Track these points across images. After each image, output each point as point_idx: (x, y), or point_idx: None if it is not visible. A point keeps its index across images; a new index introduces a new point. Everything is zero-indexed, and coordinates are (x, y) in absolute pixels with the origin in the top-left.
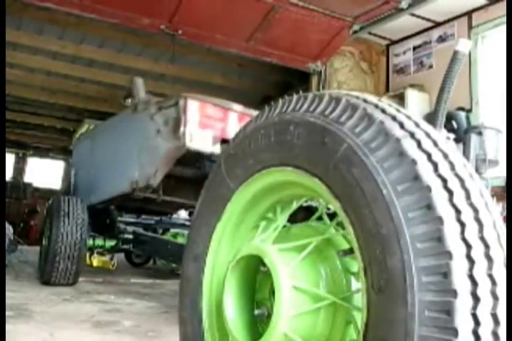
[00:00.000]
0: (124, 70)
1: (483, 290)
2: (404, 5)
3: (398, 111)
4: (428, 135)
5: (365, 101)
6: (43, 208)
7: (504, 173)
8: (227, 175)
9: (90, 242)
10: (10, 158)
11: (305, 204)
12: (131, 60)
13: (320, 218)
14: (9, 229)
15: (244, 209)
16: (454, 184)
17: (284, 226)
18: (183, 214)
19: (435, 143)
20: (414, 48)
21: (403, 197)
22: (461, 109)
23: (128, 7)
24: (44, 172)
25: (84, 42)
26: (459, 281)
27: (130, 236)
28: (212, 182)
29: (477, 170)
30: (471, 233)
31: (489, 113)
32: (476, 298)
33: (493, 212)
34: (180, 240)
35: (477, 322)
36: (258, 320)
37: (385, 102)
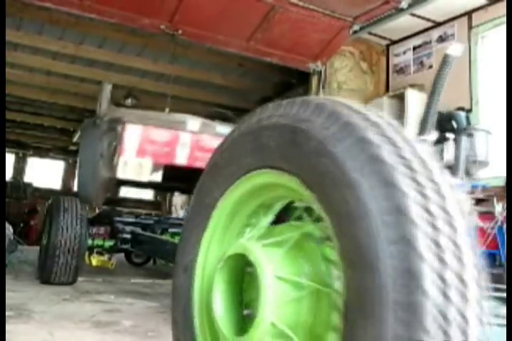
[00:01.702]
0: (124, 70)
1: (448, 254)
2: (404, 5)
3: (364, 108)
4: (390, 124)
5: (332, 101)
6: (43, 208)
7: (504, 173)
8: (212, 183)
9: (89, 242)
10: (10, 158)
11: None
12: (131, 60)
13: (300, 217)
14: (9, 229)
15: (229, 214)
16: (414, 164)
17: (268, 228)
18: (182, 214)
19: (396, 131)
20: (414, 48)
21: (368, 179)
22: (461, 109)
23: (128, 7)
24: (44, 172)
25: (84, 42)
26: (424, 248)
27: (128, 236)
28: (198, 192)
29: (468, 170)
30: (433, 205)
31: (489, 113)
32: (442, 262)
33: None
34: (178, 240)
35: (444, 283)
36: (246, 319)
37: (353, 102)
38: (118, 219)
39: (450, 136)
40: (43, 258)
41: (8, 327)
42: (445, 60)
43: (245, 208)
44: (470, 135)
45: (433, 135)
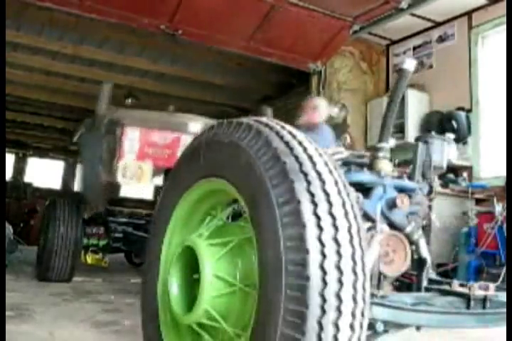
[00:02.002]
0: (124, 70)
1: (328, 249)
2: (404, 5)
3: (282, 127)
4: (300, 143)
5: (258, 122)
6: (42, 208)
7: (504, 173)
8: (173, 188)
9: (85, 241)
10: (10, 158)
11: None
12: (131, 60)
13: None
14: (9, 229)
15: (187, 215)
16: (313, 178)
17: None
18: None
19: (304, 149)
20: (414, 48)
21: (276, 189)
22: (461, 109)
23: (128, 7)
24: (44, 172)
25: (84, 42)
26: (311, 243)
27: (121, 236)
28: (162, 196)
29: (424, 175)
30: (325, 221)
31: (489, 113)
32: (323, 255)
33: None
34: None
35: (323, 255)
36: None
37: (276, 123)
38: (111, 219)
39: (450, 136)
40: (41, 257)
41: (8, 327)
42: (401, 75)
43: (199, 210)
44: (426, 142)
45: (391, 142)
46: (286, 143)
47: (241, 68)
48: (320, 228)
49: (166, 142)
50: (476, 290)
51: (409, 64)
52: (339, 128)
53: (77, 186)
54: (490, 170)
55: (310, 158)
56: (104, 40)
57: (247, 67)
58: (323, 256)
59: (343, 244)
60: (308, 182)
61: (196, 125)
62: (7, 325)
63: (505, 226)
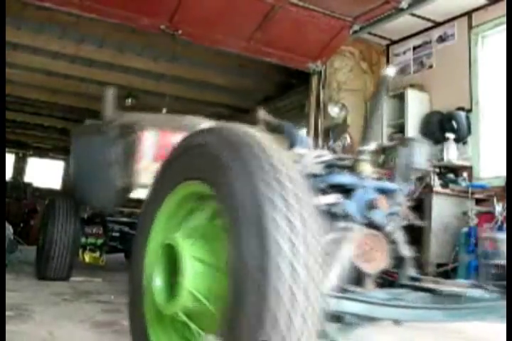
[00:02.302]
0: (124, 70)
1: (285, 246)
2: (404, 5)
3: (252, 134)
4: (264, 149)
5: (228, 128)
6: (42, 208)
7: (504, 173)
8: (157, 191)
9: (83, 240)
10: (10, 158)
11: None
12: (131, 60)
13: None
14: (9, 229)
15: (170, 215)
16: (274, 183)
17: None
18: None
19: (268, 155)
20: (414, 48)
21: (241, 191)
22: (461, 109)
23: (128, 7)
24: (44, 172)
25: (84, 42)
26: (270, 240)
27: (117, 234)
28: (148, 198)
29: (405, 176)
30: (293, 214)
31: (489, 113)
32: (279, 251)
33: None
34: None
35: (280, 251)
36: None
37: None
38: (109, 218)
39: (450, 136)
40: (40, 256)
41: (8, 327)
42: (382, 81)
43: (181, 210)
44: (406, 145)
45: (372, 145)
46: (252, 150)
47: (241, 68)
48: (278, 229)
49: None
50: (446, 286)
51: (390, 70)
52: (339, 128)
53: (74, 188)
54: (490, 170)
55: (271, 164)
56: (104, 40)
57: (247, 67)
58: (280, 251)
59: (297, 243)
60: (269, 186)
61: (206, 125)
62: (7, 325)
63: (505, 226)
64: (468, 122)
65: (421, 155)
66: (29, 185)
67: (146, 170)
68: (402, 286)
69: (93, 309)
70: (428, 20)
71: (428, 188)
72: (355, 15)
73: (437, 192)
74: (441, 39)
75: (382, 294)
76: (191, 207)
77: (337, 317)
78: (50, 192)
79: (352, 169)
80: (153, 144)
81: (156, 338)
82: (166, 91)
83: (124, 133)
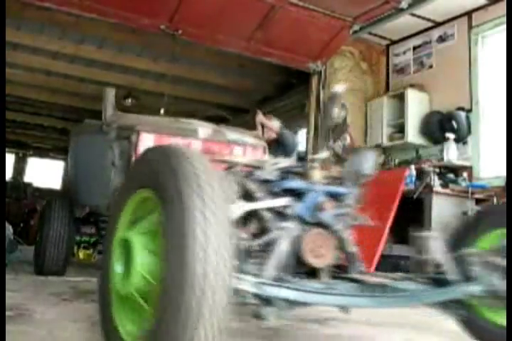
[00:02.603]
0: (124, 70)
1: (202, 244)
2: (404, 5)
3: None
4: (191, 162)
5: (167, 147)
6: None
7: (504, 173)
8: (121, 196)
9: (78, 238)
10: (10, 158)
11: None
12: (131, 60)
13: None
14: (9, 229)
15: (130, 216)
16: (198, 194)
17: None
18: None
19: (194, 167)
20: (414, 48)
21: (173, 204)
22: (461, 109)
23: (128, 7)
24: (44, 172)
25: (84, 42)
26: (190, 237)
27: None
28: (113, 201)
29: (355, 181)
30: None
31: (489, 113)
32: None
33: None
34: None
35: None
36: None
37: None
38: (102, 218)
39: (450, 136)
40: (37, 253)
41: (8, 327)
42: (332, 97)
43: (139, 212)
44: (356, 153)
45: (325, 154)
46: (181, 163)
47: (241, 68)
48: (196, 222)
49: None
50: (371, 277)
51: (339, 87)
52: (339, 128)
53: (71, 186)
54: (490, 170)
55: (196, 175)
56: (104, 40)
57: (247, 67)
58: (196, 240)
59: (209, 233)
60: (192, 190)
61: (206, 131)
62: (7, 325)
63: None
64: (468, 122)
65: (368, 162)
66: (29, 185)
67: None
68: (335, 278)
69: (93, 309)
70: (428, 20)
71: (428, 188)
72: (355, 15)
73: (437, 192)
74: (441, 39)
75: (317, 284)
76: (148, 209)
77: (272, 302)
78: (50, 192)
79: (304, 175)
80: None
81: (118, 317)
82: (165, 92)
83: (122, 135)
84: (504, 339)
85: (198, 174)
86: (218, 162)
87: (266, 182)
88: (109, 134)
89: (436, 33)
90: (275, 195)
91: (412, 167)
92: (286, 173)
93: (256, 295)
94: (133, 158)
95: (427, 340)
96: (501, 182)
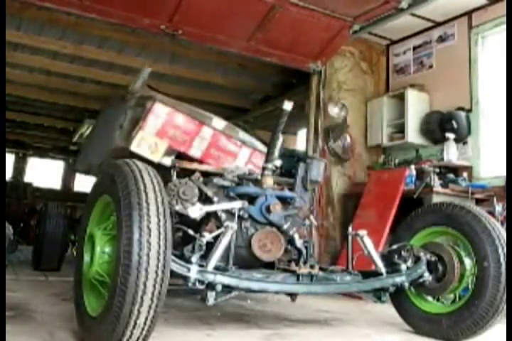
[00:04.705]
0: (124, 70)
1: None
2: (404, 5)
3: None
4: (140, 172)
5: (123, 162)
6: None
7: (504, 173)
8: (90, 201)
9: (73, 237)
10: (10, 158)
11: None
12: (131, 60)
13: None
14: (9, 229)
15: (99, 216)
16: (142, 199)
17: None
18: None
19: (142, 178)
20: (414, 48)
21: (123, 202)
22: (461, 109)
23: (128, 7)
24: (44, 172)
25: (85, 42)
26: (133, 234)
27: None
28: (86, 203)
29: (305, 187)
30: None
31: (489, 113)
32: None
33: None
34: None
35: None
36: None
37: (140, 165)
38: None
39: (450, 136)
40: (35, 251)
41: (8, 327)
42: (282, 113)
43: (105, 213)
44: (305, 162)
45: (277, 162)
46: (128, 175)
47: (241, 68)
48: (140, 220)
49: (188, 128)
50: (302, 269)
51: (288, 104)
52: (339, 128)
53: (83, 146)
54: (490, 170)
55: (144, 184)
56: (104, 40)
57: (247, 67)
58: (139, 234)
59: (148, 228)
60: (139, 198)
61: (220, 123)
62: (7, 325)
63: (505, 226)
64: (468, 122)
65: (318, 170)
66: (29, 185)
67: (143, 140)
68: (278, 269)
69: None
70: (428, 20)
71: (428, 188)
72: (355, 15)
73: (437, 192)
74: (441, 39)
75: (258, 274)
76: (110, 211)
77: (214, 287)
78: (50, 192)
79: (258, 182)
80: (161, 118)
81: (86, 296)
82: (166, 91)
83: (140, 102)
84: (427, 322)
85: (138, 183)
86: (182, 169)
87: (223, 187)
88: (129, 101)
89: (436, 33)
90: (231, 198)
91: (412, 167)
92: (242, 180)
93: (200, 281)
94: (140, 123)
95: (424, 339)
96: (501, 182)
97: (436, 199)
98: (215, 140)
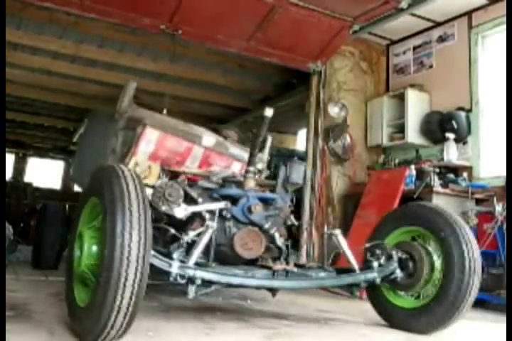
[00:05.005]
0: (124, 70)
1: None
2: (404, 5)
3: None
4: (125, 178)
5: (111, 166)
6: None
7: (504, 173)
8: (80, 203)
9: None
10: (10, 158)
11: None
12: (131, 60)
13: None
14: (9, 229)
15: (88, 216)
16: (126, 202)
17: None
18: None
19: (126, 183)
20: (414, 48)
21: (108, 205)
22: (461, 109)
23: (128, 7)
24: (44, 172)
25: (84, 42)
26: (116, 236)
27: None
28: (78, 205)
29: (286, 188)
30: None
31: (489, 113)
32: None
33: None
34: None
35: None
36: None
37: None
38: None
39: (450, 136)
40: (34, 250)
41: (8, 327)
42: (264, 121)
43: (93, 213)
44: (286, 165)
45: (259, 165)
46: (114, 180)
47: (241, 68)
48: (123, 218)
49: (179, 150)
50: (277, 265)
51: (268, 112)
52: (339, 128)
53: (74, 165)
54: (490, 170)
55: (127, 183)
56: (104, 40)
57: (247, 67)
58: (124, 230)
59: (133, 225)
60: (123, 203)
61: (210, 140)
62: (7, 325)
63: (505, 226)
64: (469, 122)
65: (298, 172)
66: (29, 185)
67: (137, 166)
68: (256, 266)
69: None
70: (428, 20)
71: (428, 188)
72: (355, 15)
73: (437, 192)
74: (441, 39)
75: (237, 270)
76: (98, 212)
77: (193, 281)
78: (50, 192)
79: (240, 184)
80: (152, 143)
81: (76, 289)
82: (166, 91)
83: (130, 125)
84: (402, 317)
85: (122, 184)
86: (170, 171)
87: (207, 189)
88: (118, 122)
89: (436, 33)
90: (215, 199)
91: (412, 167)
92: (225, 182)
93: (181, 276)
94: (133, 149)
95: (425, 339)
96: (501, 182)
97: (436, 199)
98: (206, 157)
